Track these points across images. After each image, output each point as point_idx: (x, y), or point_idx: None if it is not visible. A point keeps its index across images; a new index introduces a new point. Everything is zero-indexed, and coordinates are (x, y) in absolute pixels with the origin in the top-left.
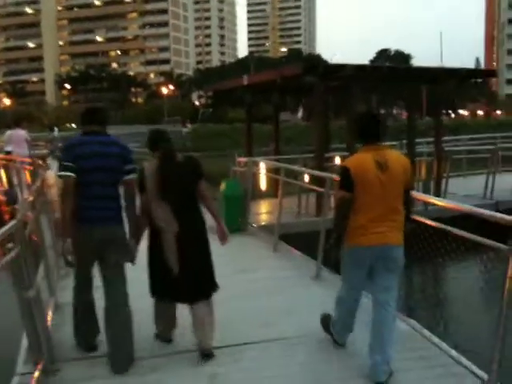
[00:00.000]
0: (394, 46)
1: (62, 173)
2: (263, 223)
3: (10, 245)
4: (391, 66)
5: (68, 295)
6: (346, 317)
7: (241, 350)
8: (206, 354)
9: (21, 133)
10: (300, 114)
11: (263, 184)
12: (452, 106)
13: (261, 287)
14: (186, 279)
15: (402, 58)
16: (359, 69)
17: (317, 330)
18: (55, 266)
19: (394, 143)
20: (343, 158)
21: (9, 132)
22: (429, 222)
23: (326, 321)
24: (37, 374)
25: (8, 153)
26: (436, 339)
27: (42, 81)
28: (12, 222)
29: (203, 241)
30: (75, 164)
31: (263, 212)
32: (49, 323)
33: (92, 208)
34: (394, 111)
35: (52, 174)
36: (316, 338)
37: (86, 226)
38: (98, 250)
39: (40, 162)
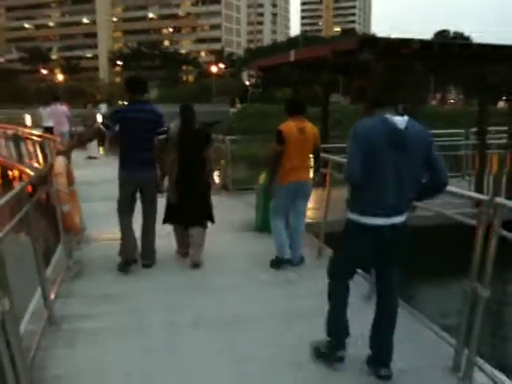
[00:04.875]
0: (454, 27)
1: (104, 129)
2: (307, 221)
3: None
4: (464, 43)
5: (73, 305)
6: (282, 236)
7: None
8: (195, 265)
9: (60, 108)
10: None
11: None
12: None
13: (299, 307)
14: (190, 210)
15: (462, 39)
16: (426, 46)
17: None
18: (63, 267)
19: (457, 131)
20: None
21: (48, 108)
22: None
23: (273, 263)
24: None
25: (48, 128)
26: None
27: (96, 57)
28: None
29: (202, 186)
30: (123, 126)
31: (309, 207)
32: (33, 347)
33: (131, 158)
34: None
35: (61, 161)
36: None
37: (132, 167)
38: (135, 186)
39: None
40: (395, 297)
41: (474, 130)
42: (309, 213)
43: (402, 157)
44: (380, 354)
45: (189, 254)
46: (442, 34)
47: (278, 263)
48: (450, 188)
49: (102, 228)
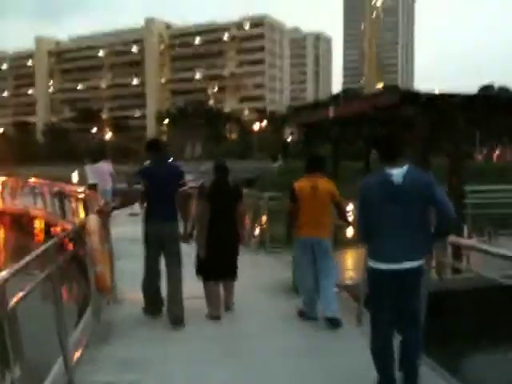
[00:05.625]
0: (499, 82)
1: (135, 186)
2: (345, 282)
3: None
4: (508, 96)
5: (96, 372)
6: (310, 292)
7: None
8: (228, 308)
9: (105, 166)
10: None
11: (349, 231)
12: None
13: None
14: (220, 264)
15: (507, 94)
16: (469, 99)
17: None
18: (90, 329)
19: (508, 187)
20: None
21: (93, 165)
22: None
23: (300, 313)
24: None
25: (93, 185)
26: None
27: (144, 116)
28: None
29: (234, 240)
30: (148, 181)
31: (346, 267)
32: None
33: (155, 212)
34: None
35: (95, 220)
36: None
37: (155, 221)
38: (159, 240)
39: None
40: (413, 350)
41: None
42: (348, 273)
43: (400, 208)
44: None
45: (220, 318)
46: (486, 89)
47: (302, 315)
48: (501, 251)
49: (137, 287)
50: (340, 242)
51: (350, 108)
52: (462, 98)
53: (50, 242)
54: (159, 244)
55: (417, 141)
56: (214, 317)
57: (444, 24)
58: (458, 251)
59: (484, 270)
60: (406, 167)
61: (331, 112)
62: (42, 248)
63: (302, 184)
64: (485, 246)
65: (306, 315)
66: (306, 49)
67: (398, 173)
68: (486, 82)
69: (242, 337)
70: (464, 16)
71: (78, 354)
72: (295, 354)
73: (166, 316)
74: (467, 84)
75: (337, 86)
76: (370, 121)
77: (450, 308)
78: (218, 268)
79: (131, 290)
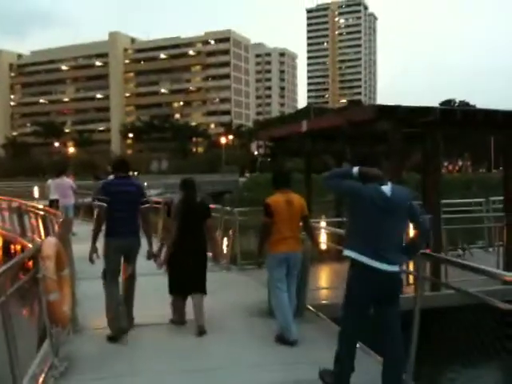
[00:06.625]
0: (460, 97)
1: (97, 203)
2: (322, 302)
3: None
4: (488, 110)
5: None
6: (286, 314)
7: None
8: (200, 331)
9: (66, 181)
10: None
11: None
12: None
13: None
14: (189, 279)
15: (483, 110)
16: (448, 113)
17: None
18: (47, 365)
19: (477, 200)
20: None
21: (54, 181)
22: None
23: (278, 338)
24: None
25: (53, 201)
26: None
27: (108, 130)
28: None
29: (202, 255)
30: (109, 197)
31: (322, 285)
32: None
33: (119, 227)
34: (460, 162)
35: (52, 243)
36: None
37: (116, 238)
38: (124, 253)
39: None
40: (394, 338)
41: (493, 198)
42: (325, 292)
43: (392, 219)
44: None
45: (184, 324)
46: (448, 104)
47: (280, 339)
48: (480, 266)
49: (100, 311)
50: (315, 259)
51: (324, 122)
52: (440, 112)
53: None
54: (120, 256)
55: (391, 155)
56: (179, 322)
57: (405, 41)
58: (436, 267)
59: (464, 287)
60: (389, 184)
61: (304, 126)
62: None
63: (276, 199)
64: (467, 262)
65: (283, 340)
66: (271, 64)
67: (386, 188)
68: (442, 98)
69: (216, 369)
70: (423, 33)
71: None
72: None
73: (129, 347)
74: (428, 100)
75: (301, 101)
76: (341, 135)
77: (430, 326)
78: (187, 283)
79: (94, 316)
